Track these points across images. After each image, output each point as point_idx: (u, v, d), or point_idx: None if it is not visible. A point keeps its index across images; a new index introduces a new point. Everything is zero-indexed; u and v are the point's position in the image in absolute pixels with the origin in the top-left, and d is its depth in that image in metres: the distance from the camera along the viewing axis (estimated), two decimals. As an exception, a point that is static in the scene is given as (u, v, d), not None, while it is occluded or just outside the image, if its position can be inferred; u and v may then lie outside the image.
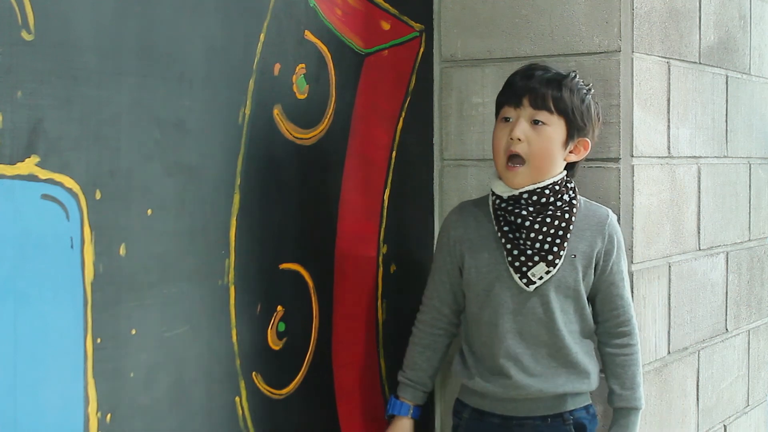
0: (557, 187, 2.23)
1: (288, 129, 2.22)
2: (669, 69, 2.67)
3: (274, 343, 2.21)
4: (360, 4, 2.44)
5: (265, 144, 2.15)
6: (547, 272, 2.21)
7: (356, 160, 2.44)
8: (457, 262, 2.33)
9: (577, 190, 2.29)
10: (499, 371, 2.26)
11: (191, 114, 1.96)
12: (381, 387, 2.54)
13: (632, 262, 2.49)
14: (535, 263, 2.20)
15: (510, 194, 2.22)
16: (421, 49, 2.67)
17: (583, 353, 2.28)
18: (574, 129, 2.24)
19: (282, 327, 2.22)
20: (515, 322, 2.24)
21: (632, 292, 2.48)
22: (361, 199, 2.48)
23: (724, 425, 3.11)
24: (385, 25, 2.54)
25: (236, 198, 2.08)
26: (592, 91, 2.31)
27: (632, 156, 2.49)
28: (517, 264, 2.21)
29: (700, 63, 2.85)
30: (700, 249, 2.88)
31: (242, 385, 2.11)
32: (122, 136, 1.81)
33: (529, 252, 2.21)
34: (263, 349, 2.17)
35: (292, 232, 2.25)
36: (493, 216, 2.27)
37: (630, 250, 2.48)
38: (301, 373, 2.29)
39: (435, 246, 2.41)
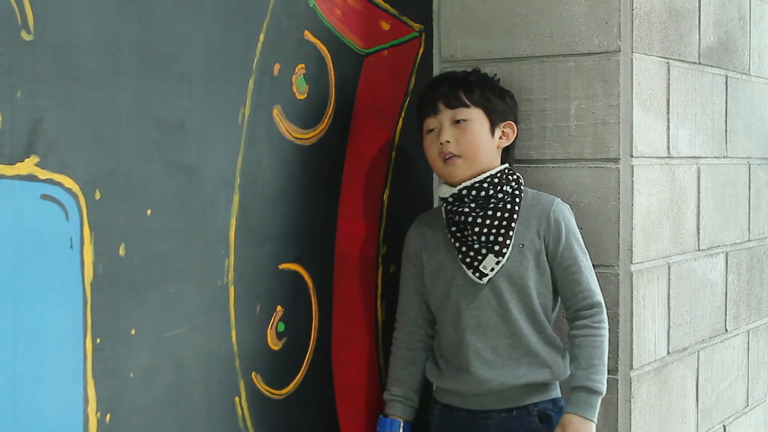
0: (496, 180, 2.29)
1: (288, 129, 2.22)
2: (668, 69, 2.67)
3: (274, 344, 2.21)
4: (360, 5, 2.44)
5: (265, 144, 2.15)
6: (497, 263, 2.26)
7: (356, 160, 2.44)
8: (420, 271, 2.40)
9: (521, 180, 2.34)
10: (462, 367, 2.31)
11: (191, 114, 1.96)
12: (381, 387, 2.54)
13: (632, 262, 2.49)
14: (484, 256, 2.26)
15: (452, 193, 2.30)
16: (421, 50, 2.67)
17: (544, 344, 2.30)
18: (495, 115, 2.33)
19: (282, 327, 2.22)
20: (473, 317, 2.30)
21: (632, 292, 2.49)
22: (360, 199, 2.48)
23: (724, 425, 3.11)
24: (385, 26, 2.54)
25: (236, 198, 2.08)
26: (498, 78, 2.44)
27: (632, 156, 2.49)
28: (468, 260, 2.28)
29: (699, 63, 2.85)
30: (699, 249, 2.88)
31: (242, 385, 2.11)
32: (122, 136, 1.81)
33: (476, 246, 2.27)
34: (263, 350, 2.17)
35: (292, 232, 2.25)
36: (445, 221, 2.33)
37: (629, 250, 2.48)
38: (300, 373, 2.29)
39: (401, 261, 2.46)
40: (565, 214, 2.33)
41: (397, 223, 2.58)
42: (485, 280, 2.28)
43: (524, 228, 2.29)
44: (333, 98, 2.36)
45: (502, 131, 2.35)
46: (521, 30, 2.60)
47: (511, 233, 2.27)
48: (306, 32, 2.26)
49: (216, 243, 2.04)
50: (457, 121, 2.29)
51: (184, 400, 1.97)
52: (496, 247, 2.26)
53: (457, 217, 2.29)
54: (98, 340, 1.77)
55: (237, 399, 2.10)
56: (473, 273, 2.28)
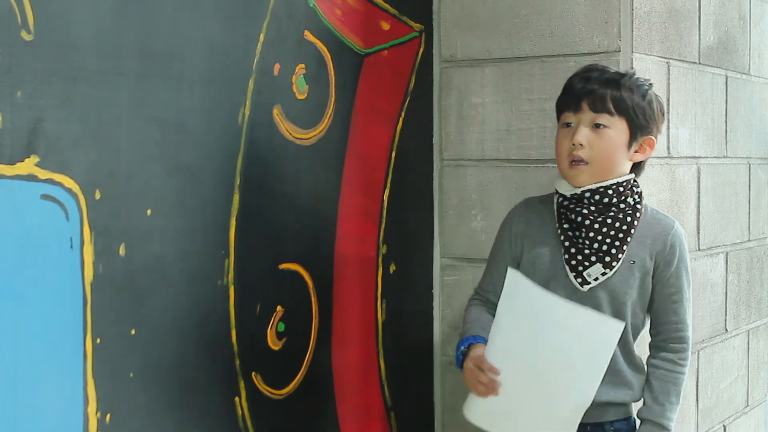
0: (621, 189, 2.18)
1: (288, 129, 2.22)
2: (669, 69, 2.67)
3: (274, 344, 2.21)
4: (360, 4, 2.44)
5: (265, 144, 2.15)
6: (603, 274, 2.16)
7: (356, 160, 2.44)
8: (516, 256, 2.27)
9: (643, 195, 2.23)
10: None
11: (191, 114, 1.96)
12: (381, 387, 2.54)
13: (632, 262, 2.49)
14: (592, 263, 2.16)
15: (573, 192, 2.18)
16: (421, 49, 2.68)
17: (629, 363, 2.22)
18: (637, 128, 2.17)
19: (282, 327, 2.22)
20: None
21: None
22: (360, 200, 2.48)
23: (724, 425, 3.11)
24: (385, 26, 2.54)
25: (236, 198, 2.08)
26: (653, 86, 2.25)
27: (632, 156, 2.49)
28: (573, 262, 2.17)
29: (699, 63, 2.85)
30: (699, 249, 2.88)
31: (242, 385, 2.11)
32: (122, 136, 1.81)
33: (586, 251, 2.16)
34: (263, 350, 2.17)
35: (292, 232, 2.25)
36: (555, 213, 2.22)
37: (630, 250, 2.47)
38: (300, 373, 2.29)
39: (495, 238, 2.33)
40: (682, 240, 2.23)
41: (396, 223, 2.58)
42: (586, 288, 2.16)
43: (638, 245, 2.18)
44: (333, 98, 2.36)
45: (640, 145, 2.19)
46: (521, 30, 2.60)
47: (624, 247, 2.16)
48: (306, 32, 2.26)
49: (216, 243, 2.04)
50: (597, 125, 2.14)
51: (183, 400, 1.97)
52: (607, 258, 2.15)
53: (573, 215, 2.17)
54: (98, 340, 1.77)
55: (237, 399, 2.10)
56: (575, 277, 2.17)
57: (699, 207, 2.87)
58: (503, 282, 2.24)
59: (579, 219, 2.17)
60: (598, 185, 2.16)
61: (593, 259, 2.16)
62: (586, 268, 2.17)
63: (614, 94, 2.15)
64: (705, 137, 2.91)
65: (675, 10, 2.70)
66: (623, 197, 2.18)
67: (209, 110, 2.01)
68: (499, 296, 2.23)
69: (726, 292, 3.09)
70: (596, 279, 2.17)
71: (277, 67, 2.18)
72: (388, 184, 2.57)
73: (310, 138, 2.30)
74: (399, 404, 2.60)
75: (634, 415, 2.28)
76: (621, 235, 2.16)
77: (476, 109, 2.66)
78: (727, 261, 3.08)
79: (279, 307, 2.21)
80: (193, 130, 1.97)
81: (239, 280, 2.09)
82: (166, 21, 1.90)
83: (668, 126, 2.68)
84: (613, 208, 2.17)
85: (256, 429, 2.15)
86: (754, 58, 3.27)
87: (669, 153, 2.68)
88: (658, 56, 2.61)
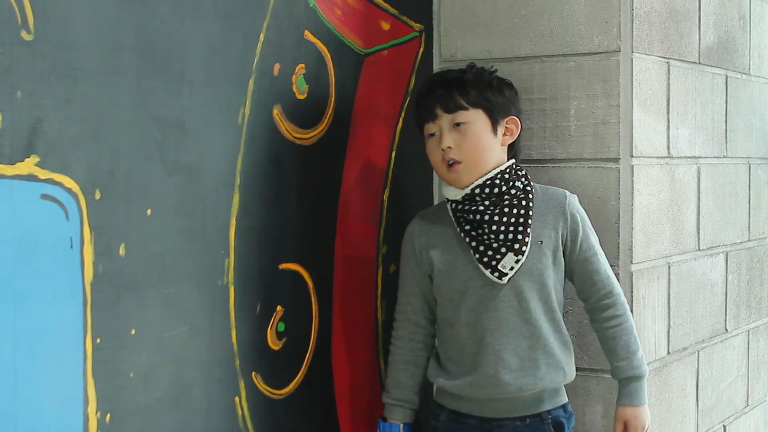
0: (507, 176, 2.25)
1: (288, 129, 2.22)
2: (668, 69, 2.67)
3: (274, 343, 2.21)
4: (360, 4, 2.44)
5: (265, 144, 2.15)
6: (517, 261, 2.22)
7: (356, 160, 2.44)
8: (426, 271, 2.33)
9: (529, 176, 2.31)
10: (480, 371, 2.25)
11: (191, 114, 1.96)
12: (381, 387, 2.54)
13: (632, 262, 2.49)
14: (503, 254, 2.21)
15: (463, 194, 2.25)
16: (421, 49, 2.68)
17: (559, 343, 2.28)
18: (496, 113, 2.27)
19: (282, 327, 2.22)
20: (492, 319, 2.24)
21: (632, 292, 2.49)
22: (360, 200, 2.48)
23: (724, 425, 3.11)
24: (385, 25, 2.54)
25: (236, 198, 2.08)
26: (496, 70, 2.35)
27: (632, 156, 2.49)
28: (485, 259, 2.22)
29: (699, 63, 2.85)
30: (699, 249, 2.89)
31: (242, 385, 2.11)
32: (122, 136, 1.81)
33: (494, 245, 2.22)
34: (263, 349, 2.17)
35: (292, 232, 2.25)
36: (453, 219, 2.28)
37: (629, 250, 2.48)
38: (300, 373, 2.29)
39: (400, 259, 2.40)
40: (578, 205, 2.32)
41: (397, 223, 2.58)
42: (505, 279, 2.22)
43: (540, 224, 2.26)
44: (333, 98, 2.36)
45: (506, 128, 2.28)
46: (521, 30, 2.60)
47: (528, 230, 2.22)
48: (306, 32, 2.26)
49: (216, 243, 2.04)
50: (457, 124, 2.24)
51: (184, 400, 1.97)
52: (516, 245, 2.21)
53: (471, 215, 2.23)
54: (98, 340, 1.77)
55: (237, 399, 2.10)
56: (491, 273, 2.22)
57: (699, 207, 2.87)
58: (419, 299, 2.36)
59: (478, 217, 2.23)
60: (484, 179, 2.24)
61: (503, 250, 2.22)
62: (498, 261, 2.22)
63: (461, 90, 2.25)
64: (705, 137, 2.91)
65: (675, 10, 2.70)
66: (511, 183, 2.26)
67: (209, 110, 2.01)
68: (418, 312, 2.36)
69: (726, 292, 3.09)
70: (512, 268, 2.23)
71: (277, 67, 2.18)
72: (388, 184, 2.57)
73: (310, 138, 2.30)
74: (399, 404, 2.60)
75: (567, 399, 2.31)
76: (522, 220, 2.23)
77: (476, 109, 2.66)
78: (727, 261, 3.08)
79: (279, 307, 2.21)
80: (193, 130, 1.97)
81: (239, 280, 2.09)
82: (166, 21, 1.90)
83: (668, 126, 2.68)
84: (506, 196, 2.24)
85: (256, 429, 2.15)
86: (754, 58, 3.27)
87: (669, 153, 2.68)
88: (658, 56, 2.61)
